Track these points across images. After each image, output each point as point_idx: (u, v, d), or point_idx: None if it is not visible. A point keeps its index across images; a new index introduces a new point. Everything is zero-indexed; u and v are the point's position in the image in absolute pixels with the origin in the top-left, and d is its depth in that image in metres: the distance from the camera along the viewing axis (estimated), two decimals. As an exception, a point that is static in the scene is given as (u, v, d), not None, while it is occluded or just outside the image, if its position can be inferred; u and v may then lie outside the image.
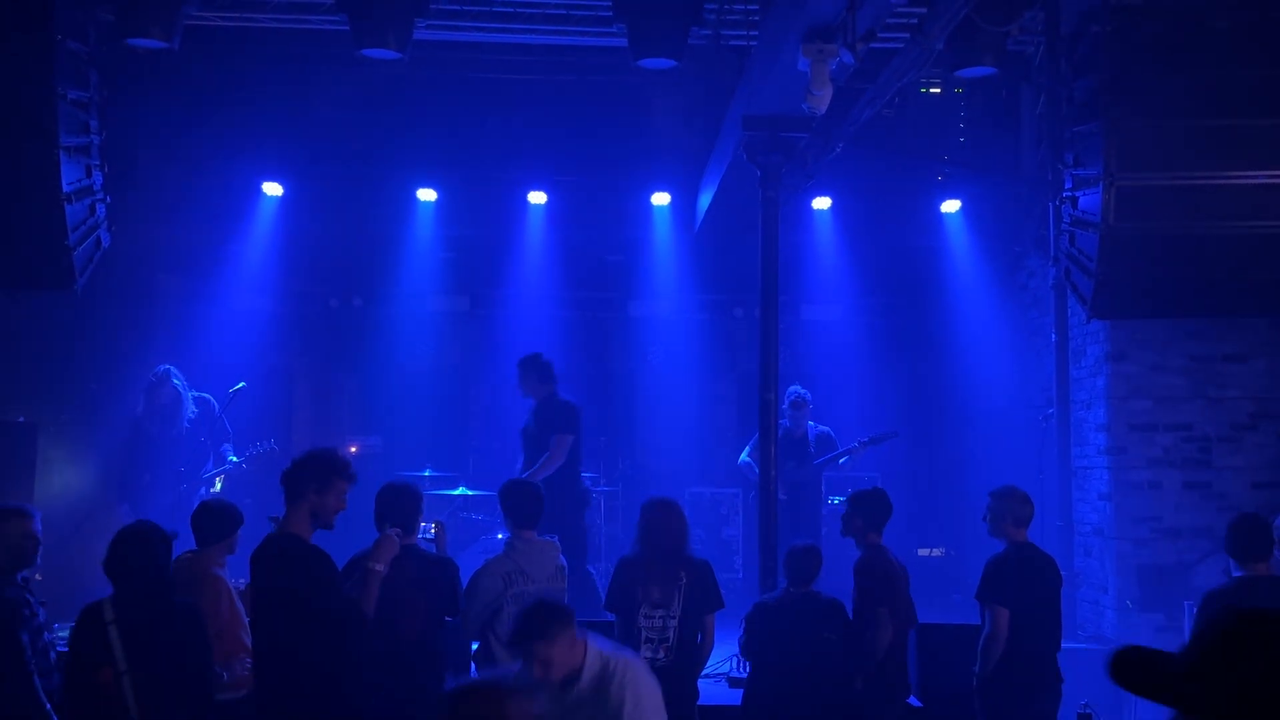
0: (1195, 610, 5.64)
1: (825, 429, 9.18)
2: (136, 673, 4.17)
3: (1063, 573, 5.94)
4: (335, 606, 4.40)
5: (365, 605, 4.52)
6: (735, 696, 6.15)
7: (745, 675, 6.04)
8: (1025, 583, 5.54)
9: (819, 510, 9.23)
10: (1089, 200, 7.67)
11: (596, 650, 3.84)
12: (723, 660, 6.87)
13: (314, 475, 4.48)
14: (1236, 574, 5.22)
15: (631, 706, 3.80)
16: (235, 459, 8.60)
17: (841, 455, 9.07)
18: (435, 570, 5.07)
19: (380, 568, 4.55)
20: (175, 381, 8.51)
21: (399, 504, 5.08)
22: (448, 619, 5.14)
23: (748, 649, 5.84)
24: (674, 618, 5.42)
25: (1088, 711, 5.72)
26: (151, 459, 8.44)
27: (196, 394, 8.70)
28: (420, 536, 5.27)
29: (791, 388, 9.01)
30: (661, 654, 5.40)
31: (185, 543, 7.85)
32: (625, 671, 3.84)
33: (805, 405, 9.05)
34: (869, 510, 5.90)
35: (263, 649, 4.55)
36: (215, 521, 5.21)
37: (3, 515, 4.85)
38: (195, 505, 7.86)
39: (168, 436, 8.48)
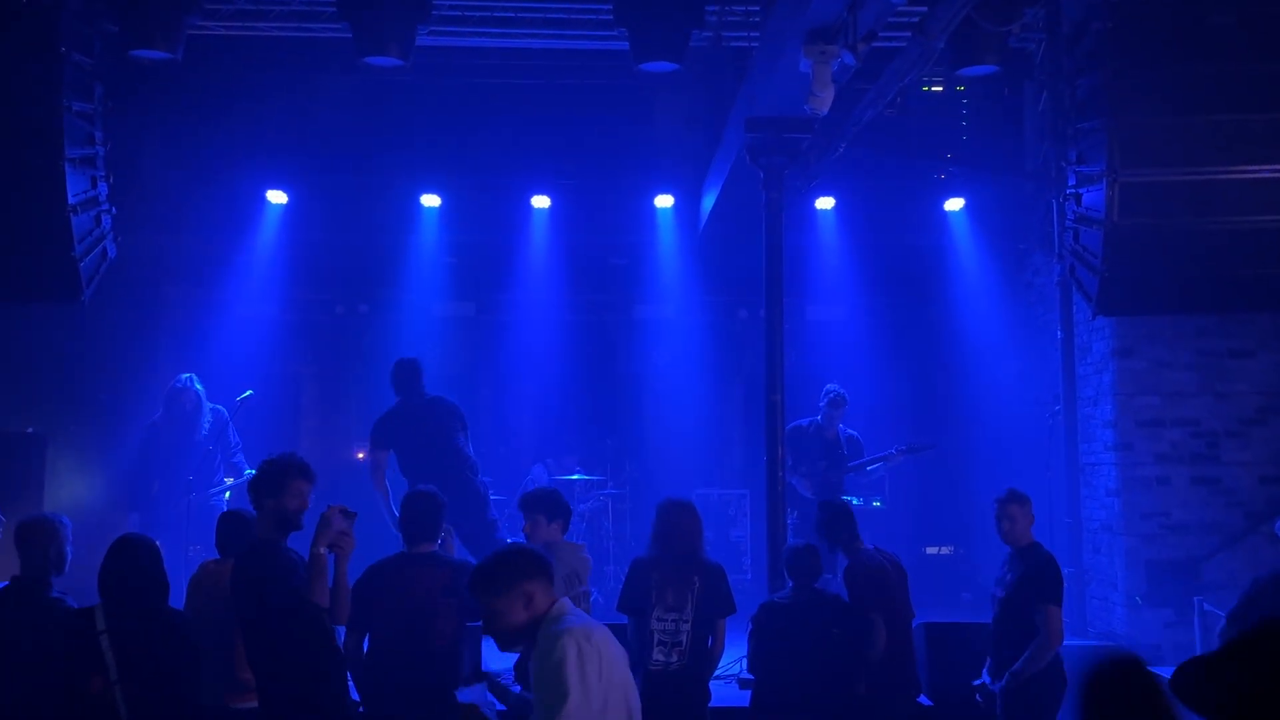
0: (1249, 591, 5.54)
1: (854, 432, 8.92)
2: (127, 682, 4.20)
3: (1072, 569, 5.94)
4: (290, 604, 4.36)
5: (315, 594, 4.36)
6: (746, 698, 6.15)
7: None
8: None
9: None
10: (1093, 197, 7.67)
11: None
12: (733, 662, 6.87)
13: (267, 483, 4.51)
14: None
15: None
16: (251, 472, 8.60)
17: (876, 461, 8.83)
18: (460, 576, 5.07)
19: (323, 550, 4.38)
20: (197, 388, 8.55)
21: (418, 512, 5.10)
22: (469, 624, 5.13)
23: (755, 658, 5.83)
24: (687, 621, 5.40)
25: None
26: (163, 467, 8.47)
27: (210, 405, 8.73)
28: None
29: (829, 386, 8.76)
30: (674, 658, 5.39)
31: (194, 554, 7.86)
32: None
33: (843, 405, 8.71)
34: (835, 527, 5.94)
35: (251, 656, 4.54)
36: (241, 531, 5.18)
37: (51, 526, 4.87)
38: (204, 515, 7.92)
39: (183, 445, 8.51)
